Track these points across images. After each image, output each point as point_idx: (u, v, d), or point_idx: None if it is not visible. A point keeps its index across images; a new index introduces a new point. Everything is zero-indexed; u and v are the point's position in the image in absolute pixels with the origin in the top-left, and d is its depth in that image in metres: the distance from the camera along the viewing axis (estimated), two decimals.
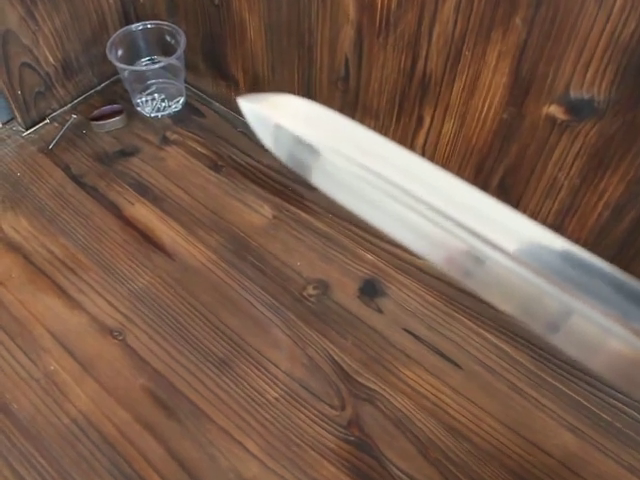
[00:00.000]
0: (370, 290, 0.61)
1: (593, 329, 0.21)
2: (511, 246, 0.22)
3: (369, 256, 0.63)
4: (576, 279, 0.22)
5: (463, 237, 0.23)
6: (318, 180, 0.27)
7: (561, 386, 0.57)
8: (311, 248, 0.64)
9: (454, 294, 0.61)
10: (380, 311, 0.60)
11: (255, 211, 0.67)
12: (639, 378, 0.22)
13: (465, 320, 0.60)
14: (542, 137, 0.51)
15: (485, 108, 0.52)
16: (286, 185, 0.69)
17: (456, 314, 0.60)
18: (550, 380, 0.57)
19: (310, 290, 0.61)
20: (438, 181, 0.25)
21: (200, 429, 0.54)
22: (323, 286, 0.61)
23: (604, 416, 0.56)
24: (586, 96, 0.47)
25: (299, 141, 0.27)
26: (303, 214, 0.66)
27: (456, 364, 0.58)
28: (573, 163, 0.50)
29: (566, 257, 0.22)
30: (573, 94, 0.47)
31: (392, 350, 0.58)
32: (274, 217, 0.66)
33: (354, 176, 0.25)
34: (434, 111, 0.56)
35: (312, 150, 0.26)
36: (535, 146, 0.52)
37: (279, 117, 0.27)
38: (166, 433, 0.53)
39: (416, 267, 0.63)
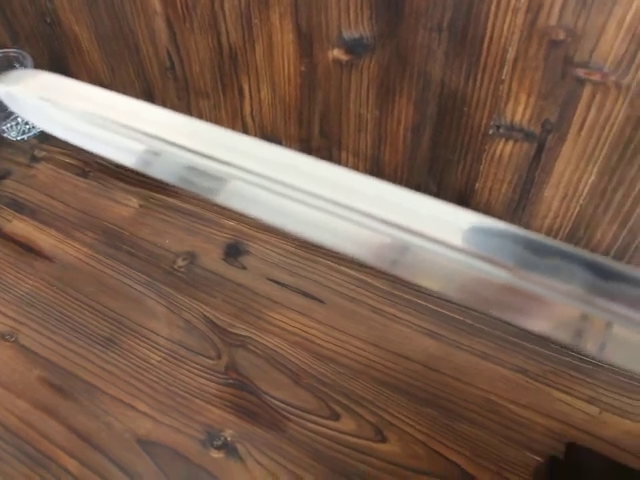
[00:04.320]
0: (234, 251, 0.67)
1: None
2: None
3: (230, 222, 0.69)
4: None
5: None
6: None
7: (416, 299, 0.63)
8: (178, 227, 0.70)
9: None
10: (245, 268, 0.66)
11: (123, 204, 0.72)
12: (483, 294, 0.25)
13: (325, 261, 0.66)
14: (336, 80, 0.57)
15: (286, 66, 0.59)
16: (149, 176, 0.74)
17: (316, 257, 0.66)
18: (405, 296, 0.63)
19: (179, 262, 0.67)
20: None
21: (94, 402, 0.59)
22: (191, 256, 0.67)
23: (455, 316, 0.62)
24: (356, 35, 0.53)
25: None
26: (168, 198, 0.72)
27: (319, 300, 0.64)
28: (368, 97, 0.57)
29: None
30: (346, 35, 0.54)
31: (259, 299, 0.64)
32: (141, 206, 0.72)
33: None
34: (249, 80, 0.62)
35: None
36: (334, 89, 0.58)
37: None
38: (64, 413, 0.58)
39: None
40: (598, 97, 0.48)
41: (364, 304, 0.63)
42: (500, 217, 0.60)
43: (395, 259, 0.25)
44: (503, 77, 0.50)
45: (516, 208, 0.58)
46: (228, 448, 0.55)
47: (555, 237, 0.58)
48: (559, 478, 0.49)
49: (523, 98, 0.50)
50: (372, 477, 0.53)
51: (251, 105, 0.64)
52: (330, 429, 0.56)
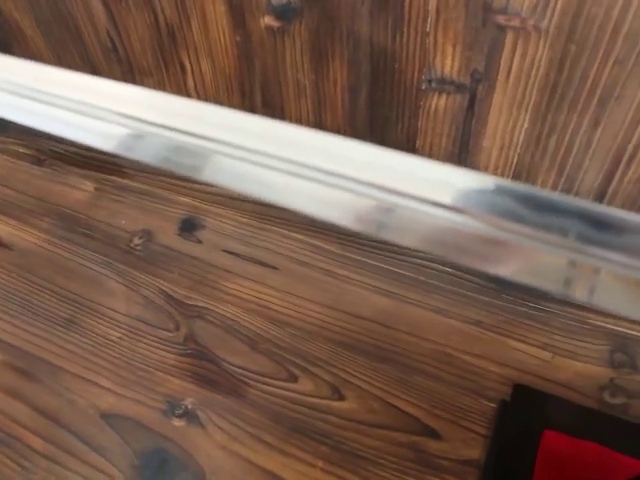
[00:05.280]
0: (189, 226, 0.68)
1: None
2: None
3: (184, 199, 0.70)
4: None
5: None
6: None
7: (367, 260, 0.64)
8: (132, 206, 0.71)
9: (263, 210, 0.68)
10: (200, 241, 0.67)
11: (78, 189, 0.73)
12: (449, 241, 0.24)
13: (276, 229, 0.67)
14: (271, 47, 0.58)
15: (222, 38, 0.59)
16: (104, 160, 0.75)
17: (268, 226, 0.67)
18: (357, 257, 0.64)
19: (136, 241, 0.68)
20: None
21: (58, 382, 0.60)
22: (147, 234, 0.68)
23: (408, 274, 0.63)
24: (284, 1, 0.54)
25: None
26: (121, 180, 0.73)
27: (273, 267, 0.65)
28: (303, 62, 0.58)
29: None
30: (274, 1, 0.54)
31: (214, 270, 0.65)
32: (96, 189, 0.73)
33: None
34: (188, 55, 0.63)
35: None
36: (270, 57, 0.59)
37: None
38: (28, 394, 0.59)
39: (227, 197, 0.70)
40: (520, 43, 0.48)
41: (317, 268, 0.64)
42: None
43: (381, 222, 0.25)
44: (428, 30, 0.50)
45: (458, 162, 0.59)
46: (189, 416, 0.56)
47: None
48: (508, 419, 0.50)
49: (449, 50, 0.51)
50: (331, 434, 0.54)
51: (194, 80, 0.65)
52: (288, 391, 0.57)
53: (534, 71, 0.49)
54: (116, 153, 0.31)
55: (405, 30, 0.51)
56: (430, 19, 0.50)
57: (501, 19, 0.48)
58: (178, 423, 0.56)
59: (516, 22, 0.47)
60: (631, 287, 0.22)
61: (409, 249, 0.64)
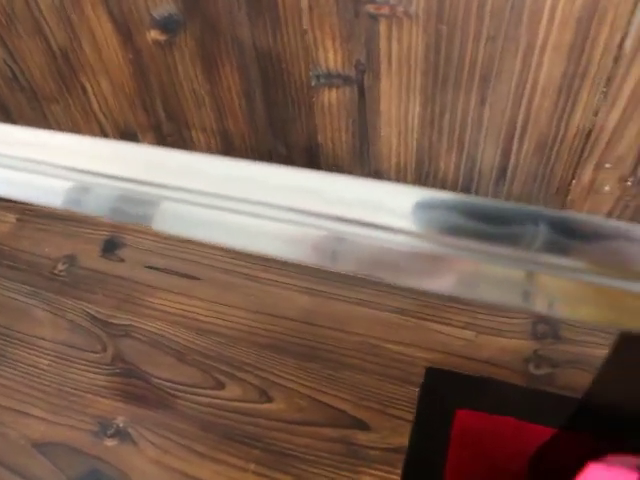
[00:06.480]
0: (111, 247, 0.68)
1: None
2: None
3: (106, 220, 0.70)
4: None
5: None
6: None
7: (288, 260, 0.64)
8: (55, 233, 0.71)
9: None
10: (122, 260, 0.67)
11: (0, 222, 0.73)
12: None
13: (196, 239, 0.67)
14: (162, 61, 0.58)
15: (114, 56, 0.60)
16: None
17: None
18: (278, 259, 0.65)
19: (60, 267, 0.68)
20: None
21: None
22: (70, 259, 0.68)
23: (330, 270, 0.63)
24: (165, 13, 0.54)
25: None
26: (43, 208, 0.73)
27: (196, 277, 0.65)
28: (195, 72, 0.58)
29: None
30: (156, 15, 0.55)
31: (138, 287, 0.65)
32: (18, 220, 0.73)
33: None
34: (87, 77, 0.63)
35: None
36: (164, 71, 0.59)
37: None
38: None
39: None
40: (395, 30, 0.49)
41: (239, 274, 0.64)
42: (350, 166, 0.61)
43: (328, 251, 0.25)
44: (305, 27, 0.51)
45: (361, 154, 0.59)
46: (121, 434, 0.56)
47: (404, 175, 0.60)
48: (423, 402, 0.51)
49: (329, 44, 0.52)
50: (261, 437, 0.54)
51: (97, 102, 0.65)
52: (216, 398, 0.57)
53: (413, 55, 0.50)
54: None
55: (284, 30, 0.52)
56: (304, 16, 0.50)
57: (371, 8, 0.48)
58: (110, 443, 0.56)
59: (386, 10, 0.48)
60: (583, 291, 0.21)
61: None
